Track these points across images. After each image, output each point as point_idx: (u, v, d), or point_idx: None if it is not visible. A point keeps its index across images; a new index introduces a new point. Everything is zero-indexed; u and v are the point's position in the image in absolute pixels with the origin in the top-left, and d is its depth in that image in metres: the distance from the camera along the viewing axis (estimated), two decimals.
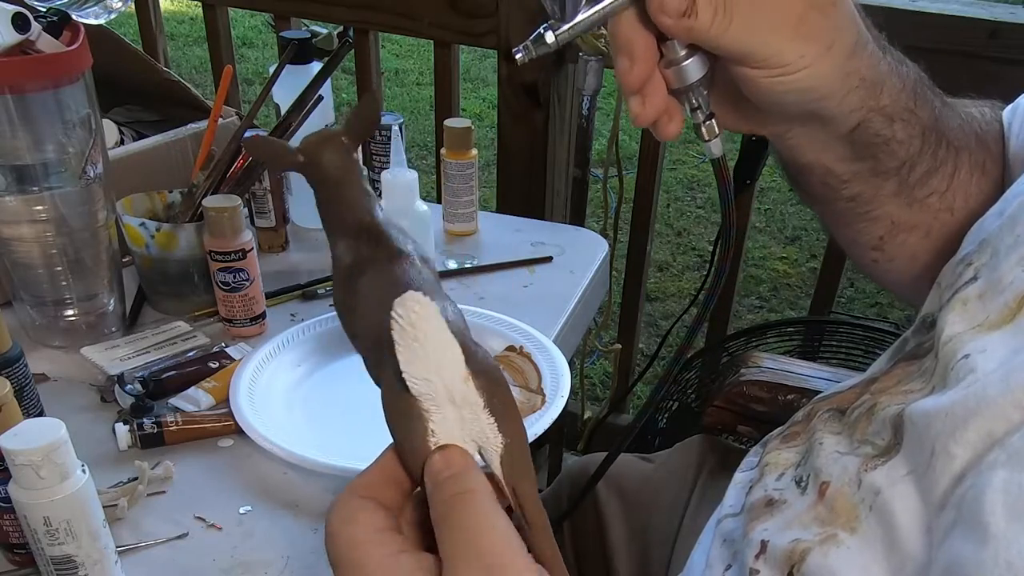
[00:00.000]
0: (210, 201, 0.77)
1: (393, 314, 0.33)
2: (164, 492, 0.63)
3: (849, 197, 0.50)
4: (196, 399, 0.70)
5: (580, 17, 0.42)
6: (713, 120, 0.46)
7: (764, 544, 0.47)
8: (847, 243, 0.56)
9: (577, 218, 1.51)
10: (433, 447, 0.35)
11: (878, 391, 0.47)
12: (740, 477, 0.58)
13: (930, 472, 0.38)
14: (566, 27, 0.43)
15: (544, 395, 0.70)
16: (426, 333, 0.33)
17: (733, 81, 0.44)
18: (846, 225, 0.53)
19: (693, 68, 0.43)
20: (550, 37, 0.43)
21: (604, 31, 1.26)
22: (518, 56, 0.44)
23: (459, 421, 0.35)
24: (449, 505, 0.33)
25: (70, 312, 0.77)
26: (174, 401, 0.71)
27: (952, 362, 0.40)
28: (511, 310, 0.83)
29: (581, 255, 0.99)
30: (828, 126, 0.46)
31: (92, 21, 0.96)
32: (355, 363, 0.77)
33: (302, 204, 1.02)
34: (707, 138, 0.47)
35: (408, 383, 0.34)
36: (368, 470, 0.37)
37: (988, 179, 0.51)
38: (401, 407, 0.35)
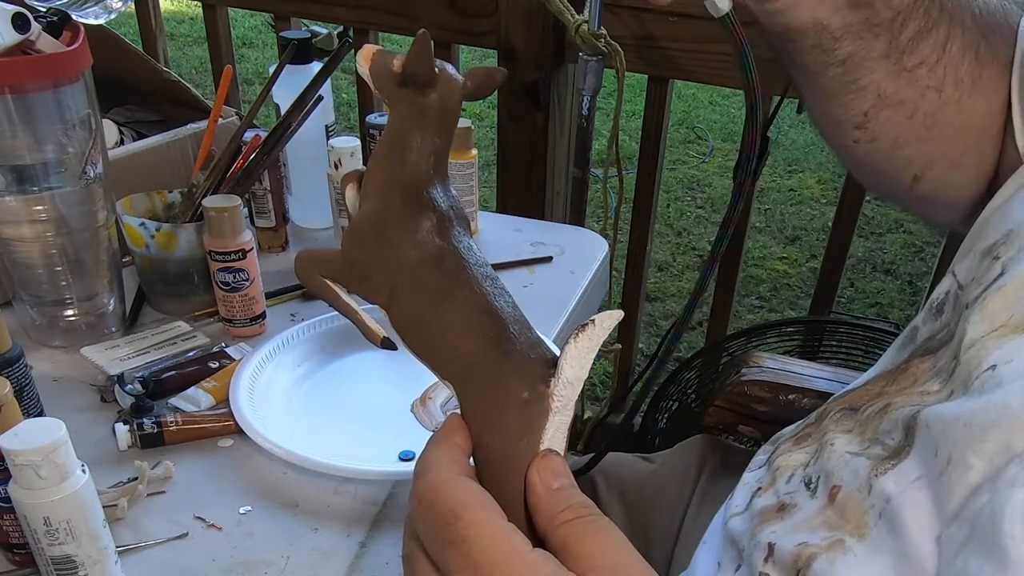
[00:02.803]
0: (210, 201, 0.77)
1: (596, 321, 0.36)
2: (164, 492, 0.63)
3: (840, 60, 0.50)
4: (196, 399, 0.70)
5: None
6: None
7: (771, 546, 0.47)
8: (831, 124, 0.55)
9: (577, 218, 1.51)
10: (541, 447, 0.36)
11: (895, 391, 0.46)
12: (748, 477, 0.57)
13: (944, 480, 0.37)
14: None
15: None
16: (598, 346, 0.36)
17: None
18: (832, 99, 0.52)
19: None
20: None
21: (603, 30, 1.25)
22: None
23: (557, 429, 0.37)
24: (584, 522, 0.35)
25: (70, 312, 0.77)
26: (174, 401, 0.71)
27: (976, 371, 0.39)
28: None
29: (581, 255, 0.99)
30: None
31: (92, 21, 0.96)
32: (355, 363, 0.78)
33: (302, 204, 1.02)
34: None
35: (561, 382, 0.36)
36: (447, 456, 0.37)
37: (982, 69, 0.50)
38: (531, 399, 0.36)
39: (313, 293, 0.44)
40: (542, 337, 0.39)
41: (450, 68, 0.41)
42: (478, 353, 0.37)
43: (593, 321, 0.36)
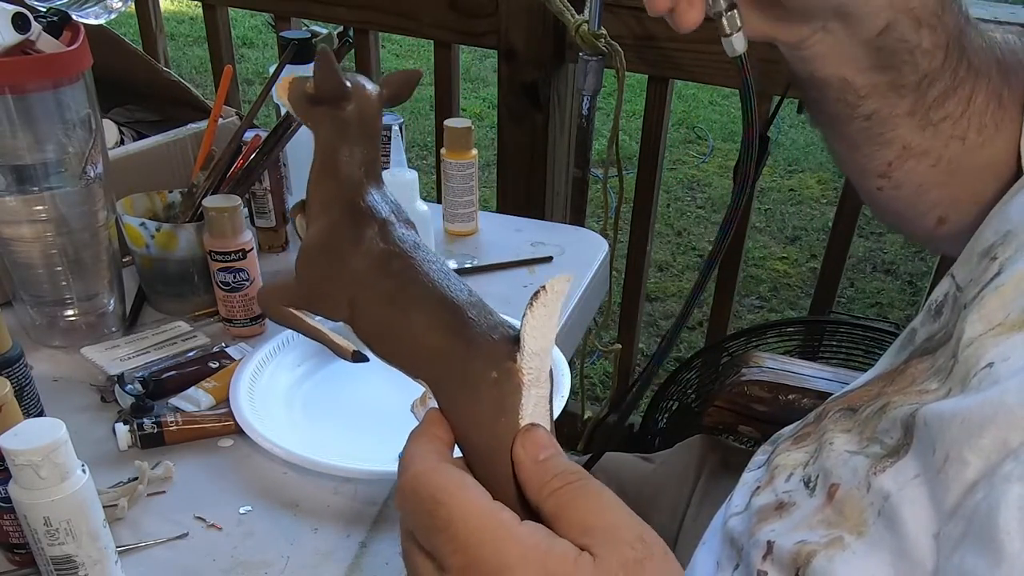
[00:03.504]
0: (210, 201, 0.77)
1: (547, 287, 0.35)
2: (164, 492, 0.63)
3: (865, 115, 0.49)
4: (196, 399, 0.70)
5: None
6: (736, 12, 0.43)
7: (770, 544, 0.47)
8: (855, 171, 0.55)
9: (577, 218, 1.51)
10: (522, 423, 0.36)
11: (893, 391, 0.47)
12: (748, 477, 0.57)
13: (942, 477, 0.38)
14: None
15: None
16: (557, 312, 0.36)
17: None
18: (856, 148, 0.52)
19: None
20: None
21: (603, 30, 1.25)
22: None
23: (536, 403, 0.37)
24: (573, 488, 0.34)
25: (70, 312, 0.77)
26: (174, 401, 0.71)
27: (974, 369, 0.40)
28: (511, 310, 0.82)
29: (581, 255, 0.99)
30: (853, 27, 0.45)
31: (92, 21, 0.96)
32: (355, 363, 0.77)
33: None
34: (728, 31, 0.43)
35: (526, 355, 0.36)
36: (428, 444, 0.37)
37: (1004, 112, 0.50)
38: (501, 378, 0.36)
39: (280, 324, 0.46)
40: (506, 319, 0.39)
41: (363, 80, 0.43)
42: (441, 345, 0.38)
43: (544, 288, 0.36)
